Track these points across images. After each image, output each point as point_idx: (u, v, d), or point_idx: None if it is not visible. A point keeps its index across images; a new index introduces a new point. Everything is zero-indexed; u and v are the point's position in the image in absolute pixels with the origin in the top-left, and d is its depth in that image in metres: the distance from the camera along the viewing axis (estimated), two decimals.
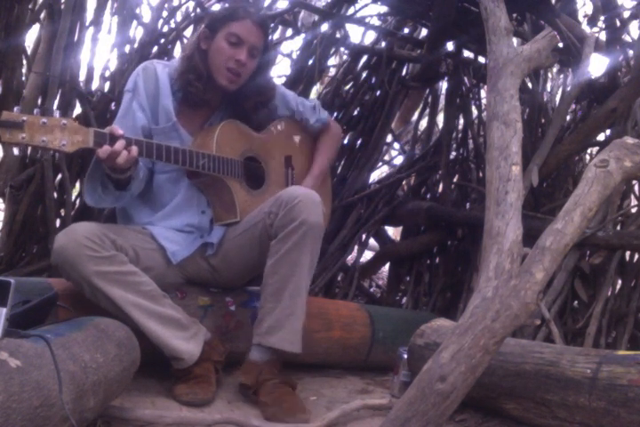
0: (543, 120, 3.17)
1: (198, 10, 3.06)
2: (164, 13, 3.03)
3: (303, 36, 3.26)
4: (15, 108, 1.54)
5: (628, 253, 2.56)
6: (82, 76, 2.79)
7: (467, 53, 3.41)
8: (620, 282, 2.52)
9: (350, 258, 3.44)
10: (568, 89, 2.86)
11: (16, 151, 1.58)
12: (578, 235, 1.47)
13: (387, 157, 4.43)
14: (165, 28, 3.00)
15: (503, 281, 1.44)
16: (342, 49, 3.65)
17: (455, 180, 3.51)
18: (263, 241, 1.91)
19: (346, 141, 3.33)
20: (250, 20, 1.97)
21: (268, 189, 2.09)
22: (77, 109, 2.71)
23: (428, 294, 3.23)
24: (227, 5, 2.19)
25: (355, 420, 1.80)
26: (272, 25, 3.05)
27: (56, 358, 1.19)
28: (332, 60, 3.86)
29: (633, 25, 3.06)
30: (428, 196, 3.55)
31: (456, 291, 3.14)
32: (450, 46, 3.27)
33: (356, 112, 3.39)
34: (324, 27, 3.18)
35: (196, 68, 1.97)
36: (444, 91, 3.69)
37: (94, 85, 2.86)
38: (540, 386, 1.61)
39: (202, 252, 2.01)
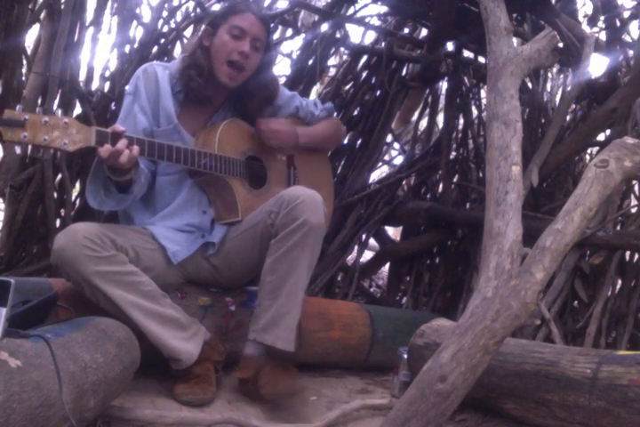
0: (543, 120, 3.18)
1: (198, 10, 3.07)
2: (164, 13, 3.03)
3: (303, 36, 3.26)
4: (17, 107, 1.54)
5: (628, 253, 2.55)
6: (82, 76, 2.80)
7: (467, 53, 3.42)
8: (620, 282, 2.52)
9: (350, 258, 3.44)
10: (568, 89, 2.86)
11: (18, 150, 1.57)
12: (578, 235, 1.47)
13: (387, 157, 4.43)
14: (165, 28, 3.01)
15: (503, 281, 1.44)
16: (342, 49, 3.65)
17: (455, 180, 3.51)
18: (264, 240, 1.91)
19: (346, 141, 3.32)
20: (251, 13, 1.98)
21: (270, 189, 2.09)
22: (77, 109, 2.72)
23: (428, 294, 3.23)
24: (226, 3, 2.19)
25: (355, 420, 1.80)
26: (272, 25, 3.05)
27: (56, 358, 1.19)
28: (332, 60, 3.87)
29: (633, 25, 3.07)
30: (428, 196, 3.56)
31: (456, 291, 3.14)
32: (450, 46, 3.28)
33: (356, 112, 3.39)
34: (324, 27, 3.19)
35: (198, 63, 1.97)
36: (444, 91, 3.69)
37: (94, 85, 2.86)
38: (540, 386, 1.61)
39: (203, 251, 2.01)
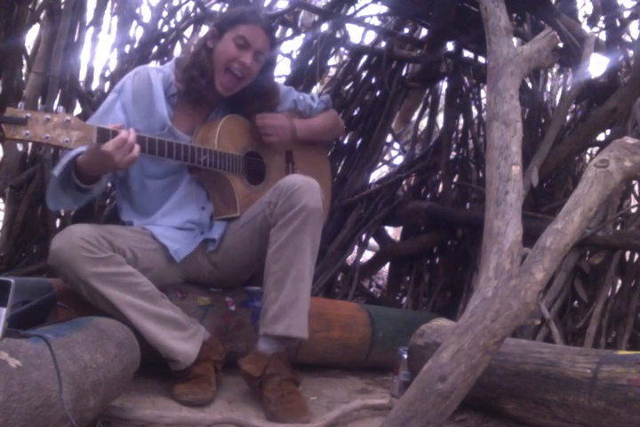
0: (543, 120, 3.17)
1: (198, 10, 3.07)
2: (164, 13, 3.04)
3: (303, 36, 3.26)
4: (19, 104, 1.55)
5: (628, 253, 2.55)
6: (82, 76, 2.80)
7: (467, 53, 3.41)
8: (620, 282, 2.52)
9: (350, 258, 3.44)
10: (568, 89, 2.86)
11: (20, 147, 1.58)
12: (578, 235, 1.47)
13: (387, 157, 4.43)
14: (165, 28, 3.01)
15: (503, 281, 1.44)
16: (342, 49, 3.65)
17: (455, 180, 3.51)
18: (263, 232, 1.90)
19: (346, 141, 3.33)
20: (259, 26, 1.98)
21: (269, 184, 2.09)
22: (77, 109, 2.72)
23: (428, 294, 3.23)
24: (236, 7, 2.19)
25: (355, 420, 1.80)
26: (272, 25, 3.05)
27: (56, 358, 1.19)
28: (332, 60, 3.87)
29: (633, 25, 3.06)
30: (428, 196, 3.55)
31: (456, 291, 3.14)
32: (450, 46, 3.28)
33: (356, 112, 3.38)
34: (324, 27, 3.18)
35: (202, 64, 1.97)
36: (444, 91, 3.69)
37: (94, 85, 2.86)
38: (540, 386, 1.61)
39: (203, 249, 2.01)
